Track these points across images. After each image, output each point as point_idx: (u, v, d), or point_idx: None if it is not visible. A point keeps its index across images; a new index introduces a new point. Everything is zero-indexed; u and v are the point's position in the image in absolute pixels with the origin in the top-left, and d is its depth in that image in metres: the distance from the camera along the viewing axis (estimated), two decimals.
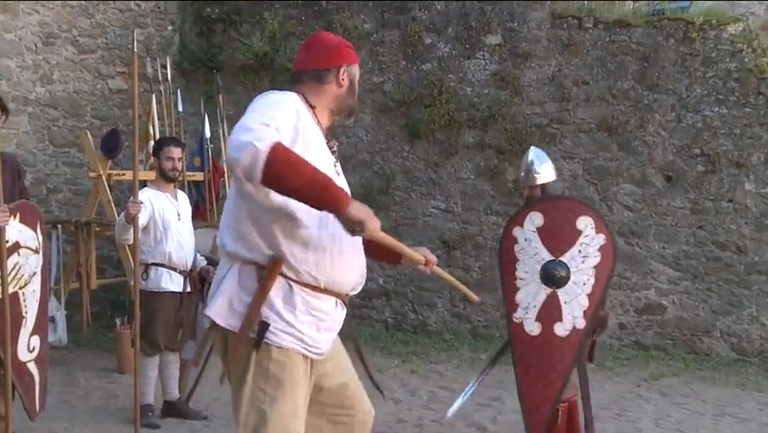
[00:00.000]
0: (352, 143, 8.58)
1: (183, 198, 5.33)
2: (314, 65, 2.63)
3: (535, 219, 4.14)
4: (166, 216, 5.01)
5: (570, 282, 4.06)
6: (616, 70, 7.70)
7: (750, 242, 7.34)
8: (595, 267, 4.04)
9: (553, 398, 4.10)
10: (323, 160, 2.48)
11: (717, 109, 7.40)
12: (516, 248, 4.15)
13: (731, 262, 7.40)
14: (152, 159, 5.20)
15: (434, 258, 2.77)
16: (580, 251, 4.06)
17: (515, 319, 4.16)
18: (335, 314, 2.61)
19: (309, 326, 2.51)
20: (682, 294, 7.55)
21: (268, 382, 2.48)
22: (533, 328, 4.11)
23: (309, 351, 2.54)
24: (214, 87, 8.11)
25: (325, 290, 2.53)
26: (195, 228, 5.33)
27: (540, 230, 4.12)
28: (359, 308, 8.16)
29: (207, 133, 7.56)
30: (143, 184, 5.41)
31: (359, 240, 2.55)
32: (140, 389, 4.77)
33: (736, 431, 5.39)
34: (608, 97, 7.73)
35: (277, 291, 2.47)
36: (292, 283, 2.48)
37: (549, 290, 4.09)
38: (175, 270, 5.05)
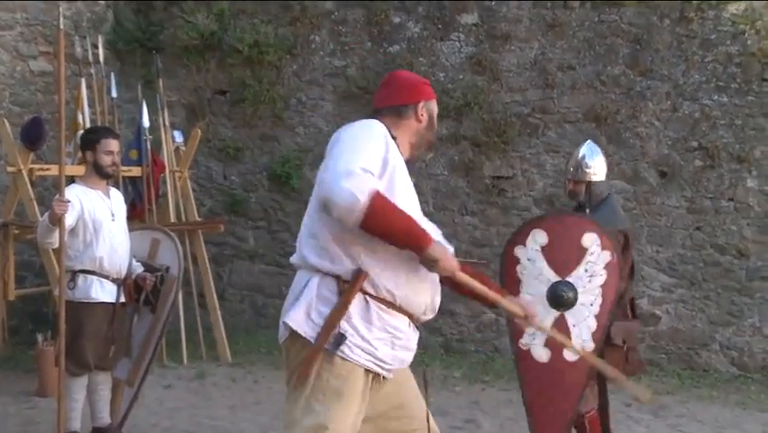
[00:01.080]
0: (310, 135, 8.54)
1: (117, 195, 5.26)
2: (393, 101, 3.08)
3: (539, 238, 4.26)
4: (97, 217, 4.95)
5: (578, 304, 4.19)
6: (605, 54, 7.76)
7: (752, 245, 7.44)
8: (601, 286, 4.17)
9: (564, 427, 4.23)
10: (408, 190, 2.97)
11: (716, 97, 7.49)
12: (519, 269, 4.27)
13: (731, 268, 7.49)
14: (86, 152, 5.10)
15: (534, 312, 3.08)
16: (586, 270, 4.19)
17: (521, 346, 4.27)
18: (410, 333, 2.96)
19: (384, 343, 2.87)
20: (678, 303, 7.63)
21: (326, 393, 2.82)
22: (541, 355, 4.22)
23: (381, 367, 2.88)
24: (154, 70, 8.04)
25: (400, 308, 2.89)
26: (130, 230, 5.27)
27: (544, 249, 4.24)
28: None
29: (146, 123, 7.50)
30: (71, 180, 5.35)
31: None
32: (64, 414, 4.71)
33: None
34: (597, 84, 7.79)
35: (355, 306, 2.82)
36: (369, 299, 2.84)
37: (557, 313, 4.20)
38: (107, 277, 4.98)
